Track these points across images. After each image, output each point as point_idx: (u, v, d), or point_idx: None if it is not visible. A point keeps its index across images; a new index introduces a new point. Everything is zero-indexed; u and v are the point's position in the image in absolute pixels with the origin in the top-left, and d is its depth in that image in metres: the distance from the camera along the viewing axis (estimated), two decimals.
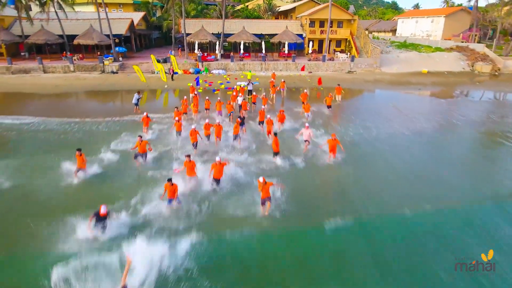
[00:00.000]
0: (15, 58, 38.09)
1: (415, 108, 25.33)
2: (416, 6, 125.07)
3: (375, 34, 69.59)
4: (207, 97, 22.08)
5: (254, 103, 23.43)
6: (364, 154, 15.93)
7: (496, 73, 42.21)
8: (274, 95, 25.50)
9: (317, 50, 45.09)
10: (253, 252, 9.30)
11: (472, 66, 44.00)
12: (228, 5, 67.72)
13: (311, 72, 38.36)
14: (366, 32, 70.83)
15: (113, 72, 36.07)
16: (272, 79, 28.80)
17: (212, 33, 40.64)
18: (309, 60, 40.67)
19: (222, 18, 40.82)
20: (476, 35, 54.38)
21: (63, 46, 39.93)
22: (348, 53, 43.80)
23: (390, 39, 62.64)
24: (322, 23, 44.03)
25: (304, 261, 9.05)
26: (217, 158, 11.97)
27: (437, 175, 13.82)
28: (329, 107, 22.38)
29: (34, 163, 14.34)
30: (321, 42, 45.25)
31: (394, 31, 66.03)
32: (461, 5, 63.42)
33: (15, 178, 12.94)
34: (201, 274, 8.27)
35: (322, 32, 44.28)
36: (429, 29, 57.01)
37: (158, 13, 57.75)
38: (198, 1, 56.86)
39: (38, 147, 16.27)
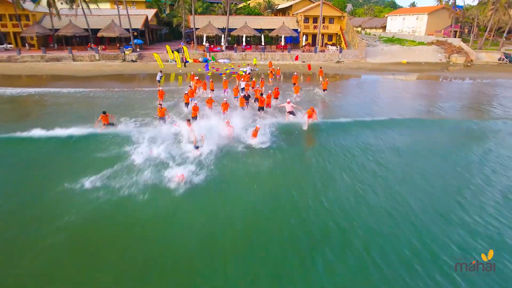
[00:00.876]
0: (46, 49, 43.84)
1: (382, 85, 31.35)
2: (412, 4, 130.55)
3: (368, 30, 75.17)
4: (211, 80, 25.62)
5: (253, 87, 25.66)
6: (335, 112, 21.63)
7: (469, 64, 47.77)
8: (271, 79, 30.97)
9: (310, 43, 50.70)
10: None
11: (449, 58, 49.61)
12: (232, 3, 73.33)
13: (304, 61, 43.99)
14: (359, 28, 76.62)
15: (132, 61, 41.81)
16: (269, 67, 34.30)
17: (218, 28, 46.34)
18: (303, 51, 46.40)
19: (226, 14, 46.52)
20: (456, 31, 59.85)
21: (87, 38, 45.67)
22: (338, 46, 49.42)
23: (380, 34, 68.24)
24: (315, 19, 49.59)
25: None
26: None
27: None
28: (324, 90, 26.03)
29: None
30: (314, 36, 50.82)
31: (384, 27, 71.64)
32: (447, 3, 68.71)
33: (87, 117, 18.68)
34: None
35: (315, 27, 49.88)
36: (414, 25, 62.60)
37: (167, 10, 63.35)
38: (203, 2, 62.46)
39: (93, 104, 22.06)
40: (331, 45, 51.01)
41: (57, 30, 44.49)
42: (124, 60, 42.03)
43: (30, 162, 13.72)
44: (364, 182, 12.39)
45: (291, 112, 18.79)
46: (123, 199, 10.79)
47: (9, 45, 45.05)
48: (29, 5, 45.54)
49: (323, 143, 16.32)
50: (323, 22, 49.45)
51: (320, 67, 31.27)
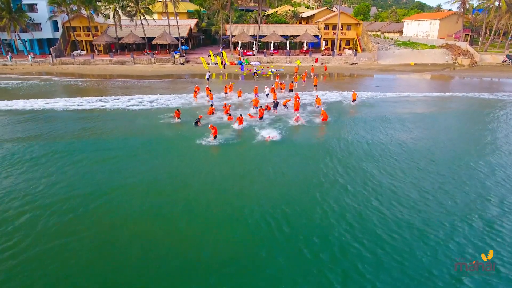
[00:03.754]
0: (113, 54, 54.13)
1: (383, 81, 39.39)
2: (438, 7, 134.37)
3: (386, 34, 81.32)
4: (231, 82, 31.40)
5: (290, 90, 31.71)
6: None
7: (473, 65, 53.54)
8: (298, 80, 37.57)
9: (330, 47, 58.23)
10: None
11: (455, 60, 55.54)
12: (262, 10, 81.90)
13: (323, 63, 51.68)
14: (379, 32, 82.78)
15: (181, 64, 51.21)
16: (296, 71, 41.59)
17: (250, 35, 54.96)
18: (322, 55, 54.12)
19: (257, 23, 55.07)
20: (467, 35, 65.18)
21: (143, 45, 55.57)
22: (354, 50, 56.65)
23: (397, 38, 74.40)
24: (334, 27, 57.04)
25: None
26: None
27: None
28: (315, 85, 32.80)
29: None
30: (334, 41, 58.27)
31: (401, 32, 77.63)
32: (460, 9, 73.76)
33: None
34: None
35: (334, 33, 57.34)
36: (427, 30, 68.44)
37: (205, 19, 72.83)
38: (237, 9, 71.22)
39: (166, 87, 31.02)
40: (348, 49, 58.27)
41: (120, 38, 54.71)
42: (174, 63, 51.51)
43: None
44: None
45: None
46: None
47: (82, 51, 55.82)
48: (98, 19, 56.07)
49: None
50: (341, 29, 56.94)
51: (312, 66, 39.42)
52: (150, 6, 55.46)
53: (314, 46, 57.58)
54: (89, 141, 18.53)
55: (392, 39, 74.18)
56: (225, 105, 23.84)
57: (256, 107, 23.11)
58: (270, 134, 18.82)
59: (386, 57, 55.14)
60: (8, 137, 19.04)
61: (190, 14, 70.92)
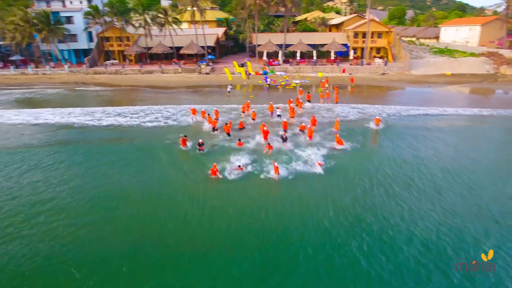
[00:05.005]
0: (142, 63, 55.69)
1: (413, 94, 37.38)
2: (482, 8, 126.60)
3: (422, 40, 77.47)
4: (247, 101, 29.61)
5: (308, 100, 31.96)
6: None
7: None
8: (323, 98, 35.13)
9: (360, 56, 56.27)
10: None
11: (498, 69, 51.61)
12: (292, 15, 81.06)
13: (351, 73, 49.99)
14: (414, 38, 79.18)
15: (206, 73, 51.65)
16: (322, 86, 39.56)
17: (276, 44, 54.36)
18: (350, 64, 52.39)
19: (284, 31, 54.39)
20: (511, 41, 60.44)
21: (172, 55, 56.70)
22: (385, 59, 54.34)
23: (433, 45, 70.60)
24: (364, 35, 55.07)
25: None
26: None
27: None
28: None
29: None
30: (363, 50, 56.26)
31: (438, 37, 73.62)
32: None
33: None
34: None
35: (364, 42, 55.36)
36: (467, 36, 64.30)
37: (234, 28, 73.16)
38: (266, 14, 70.62)
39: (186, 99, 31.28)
40: (379, 58, 55.98)
41: (149, 48, 56.20)
42: (200, 72, 52.05)
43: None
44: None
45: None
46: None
47: (114, 61, 57.94)
48: (130, 29, 57.93)
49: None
50: (372, 37, 54.86)
51: (327, 77, 38.33)
52: (178, 16, 56.48)
53: (343, 55, 55.88)
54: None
55: (428, 45, 70.44)
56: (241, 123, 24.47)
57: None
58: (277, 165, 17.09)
59: (420, 66, 52.35)
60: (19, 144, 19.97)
61: (219, 23, 71.57)
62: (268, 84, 42.08)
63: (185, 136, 21.04)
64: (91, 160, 19.44)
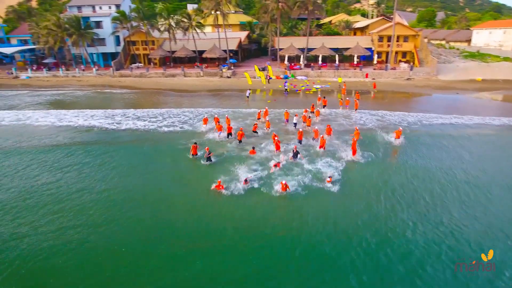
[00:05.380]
0: (166, 67, 56.91)
1: (438, 101, 36.14)
2: None
3: (452, 43, 74.37)
4: (266, 107, 29.05)
5: (324, 106, 31.87)
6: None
7: None
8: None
9: (384, 60, 54.77)
10: None
11: None
12: (317, 18, 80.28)
13: (374, 78, 48.73)
14: (444, 41, 76.19)
15: (228, 77, 52.02)
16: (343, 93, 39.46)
17: (298, 48, 53.94)
18: (374, 69, 51.08)
19: (306, 35, 53.87)
20: None
21: (194, 58, 57.56)
22: (412, 63, 52.57)
23: (464, 49, 67.61)
24: (389, 38, 53.60)
25: None
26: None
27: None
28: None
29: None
30: (388, 54, 54.72)
31: (469, 41, 70.37)
32: None
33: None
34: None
35: (389, 45, 53.84)
36: (501, 39, 61.03)
37: (257, 31, 73.32)
38: (290, 18, 70.32)
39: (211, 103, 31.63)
40: (405, 62, 54.25)
41: (173, 52, 57.35)
42: (221, 76, 52.52)
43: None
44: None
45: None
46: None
47: (140, 64, 59.60)
48: (155, 33, 59.39)
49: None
50: (397, 41, 53.31)
51: (345, 83, 37.69)
52: (202, 20, 57.30)
53: (367, 59, 54.62)
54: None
55: (458, 49, 67.56)
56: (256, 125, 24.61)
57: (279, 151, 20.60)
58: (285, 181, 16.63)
59: (448, 71, 50.26)
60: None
61: (242, 26, 72.00)
62: (286, 89, 41.77)
63: (195, 143, 20.78)
64: (100, 163, 20.07)
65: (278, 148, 20.48)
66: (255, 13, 76.19)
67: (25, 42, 69.91)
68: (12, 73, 57.58)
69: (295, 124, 25.25)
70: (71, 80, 54.53)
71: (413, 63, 52.77)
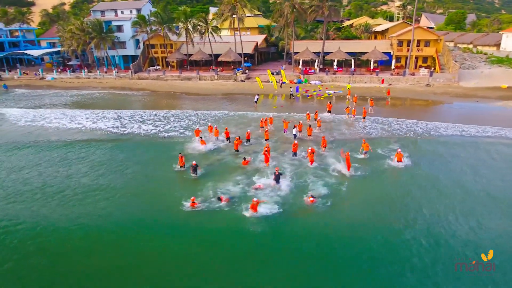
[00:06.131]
0: (182, 70, 57.86)
1: (454, 109, 34.43)
2: None
3: (480, 48, 70.68)
4: (271, 115, 29.11)
5: (329, 111, 31.72)
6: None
7: None
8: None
9: (404, 65, 52.90)
10: None
11: None
12: (339, 21, 79.09)
13: (391, 84, 47.16)
14: (471, 45, 72.69)
15: (241, 81, 52.12)
16: (348, 94, 39.18)
17: (314, 52, 53.19)
18: (391, 74, 49.47)
19: (322, 38, 53.04)
20: None
21: (210, 62, 58.16)
22: (432, 69, 50.47)
23: (492, 53, 64.09)
24: (410, 43, 51.75)
25: None
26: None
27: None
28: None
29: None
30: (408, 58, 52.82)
31: (498, 45, 66.57)
32: None
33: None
34: None
35: (408, 50, 51.95)
36: None
37: (276, 34, 73.10)
38: (304, 23, 69.47)
39: (219, 105, 31.83)
40: (425, 67, 52.16)
41: (190, 55, 58.24)
42: (235, 80, 52.70)
43: None
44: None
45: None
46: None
47: (158, 67, 60.98)
48: (173, 37, 60.60)
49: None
50: (418, 45, 51.41)
51: (349, 89, 36.28)
52: (219, 25, 57.84)
53: (385, 64, 53.01)
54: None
55: (486, 53, 64.10)
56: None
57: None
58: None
59: (471, 78, 47.77)
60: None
61: (261, 29, 72.02)
62: (291, 94, 41.35)
63: (181, 153, 20.15)
64: (83, 168, 20.60)
65: (267, 161, 19.79)
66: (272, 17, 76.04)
67: (53, 45, 73.56)
68: (39, 74, 60.60)
69: (295, 135, 24.31)
70: (92, 82, 56.60)
71: (434, 69, 50.65)
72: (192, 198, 15.94)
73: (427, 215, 14.30)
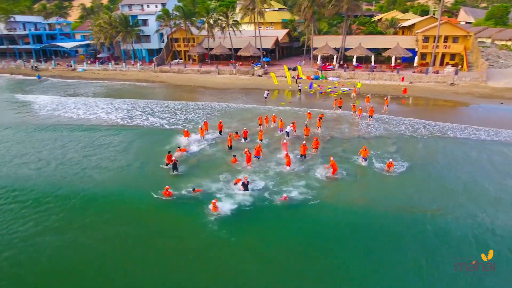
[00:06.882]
0: (202, 63, 58.86)
1: (472, 111, 32.82)
2: None
3: None
4: (273, 114, 28.37)
5: (339, 107, 31.69)
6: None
7: None
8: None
9: (429, 62, 50.40)
10: None
11: None
12: (369, 16, 76.65)
13: (411, 82, 45.22)
14: (510, 42, 67.77)
15: (259, 76, 52.19)
16: (354, 92, 38.07)
17: (333, 47, 52.07)
18: (414, 72, 47.38)
19: (343, 33, 51.75)
20: None
21: (230, 56, 58.65)
22: (458, 67, 47.73)
23: None
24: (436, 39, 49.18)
25: None
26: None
27: None
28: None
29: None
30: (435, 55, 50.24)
31: None
32: None
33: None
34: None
35: (437, 46, 49.33)
36: None
37: (299, 29, 72.14)
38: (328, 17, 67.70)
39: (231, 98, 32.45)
40: (453, 65, 49.43)
41: (211, 49, 59.07)
42: (253, 75, 52.86)
43: None
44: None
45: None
46: None
47: (180, 60, 62.47)
48: (195, 31, 61.69)
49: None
50: (445, 42, 48.81)
51: (354, 90, 36.94)
52: (240, 19, 58.11)
53: (408, 61, 50.84)
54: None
55: None
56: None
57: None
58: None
59: (501, 77, 44.66)
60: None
61: (284, 24, 71.40)
62: (299, 90, 40.92)
63: (170, 152, 20.01)
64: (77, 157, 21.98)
65: (248, 161, 19.46)
66: (292, 11, 75.16)
67: (87, 38, 77.49)
68: (70, 66, 64.18)
69: (288, 133, 23.93)
70: (118, 74, 59.07)
71: (461, 67, 47.89)
72: (167, 187, 16.45)
73: (422, 217, 14.04)
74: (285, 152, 19.70)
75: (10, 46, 73.82)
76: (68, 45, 70.90)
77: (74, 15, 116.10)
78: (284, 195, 15.94)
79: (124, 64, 61.51)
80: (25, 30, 73.52)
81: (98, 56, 68.48)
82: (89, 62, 65.98)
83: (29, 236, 13.74)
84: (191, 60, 62.19)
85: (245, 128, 24.01)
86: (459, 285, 9.13)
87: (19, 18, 74.89)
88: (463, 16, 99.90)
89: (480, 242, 10.77)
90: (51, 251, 12.97)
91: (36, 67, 65.31)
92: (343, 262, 11.74)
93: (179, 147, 16.98)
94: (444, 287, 9.15)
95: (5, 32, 72.43)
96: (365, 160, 19.54)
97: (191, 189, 16.76)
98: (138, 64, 60.38)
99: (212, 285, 11.36)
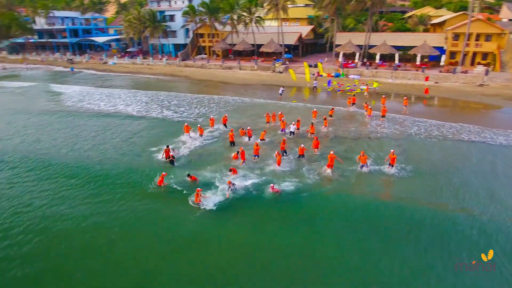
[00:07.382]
0: (225, 59, 59.68)
1: (491, 114, 31.41)
2: None
3: None
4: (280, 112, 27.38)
5: (353, 103, 31.74)
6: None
7: None
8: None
9: (459, 61, 48.00)
10: None
11: None
12: (401, 12, 73.85)
13: (437, 82, 43.41)
14: None
15: (279, 72, 52.20)
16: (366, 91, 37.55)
17: (357, 45, 50.91)
18: (440, 71, 45.37)
19: (367, 30, 50.43)
20: None
21: (252, 52, 58.97)
22: (490, 67, 45.13)
23: None
24: (469, 36, 46.69)
25: None
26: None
27: None
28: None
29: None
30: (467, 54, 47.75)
31: None
32: None
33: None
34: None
35: (467, 45, 46.87)
36: None
37: (325, 25, 71.02)
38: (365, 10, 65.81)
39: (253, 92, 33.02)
40: (484, 65, 46.80)
41: (234, 45, 59.72)
42: (273, 71, 52.96)
43: None
44: None
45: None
46: None
47: (204, 55, 63.70)
48: (220, 27, 62.55)
49: None
50: (477, 40, 46.32)
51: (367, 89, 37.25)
52: (264, 16, 58.22)
53: (436, 60, 48.74)
54: None
55: None
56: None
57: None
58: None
59: None
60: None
61: (309, 20, 70.58)
62: (315, 86, 40.62)
63: (168, 146, 19.95)
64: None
65: (242, 158, 19.40)
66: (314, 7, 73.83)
67: (119, 32, 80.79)
68: (102, 59, 67.42)
69: (292, 132, 23.80)
70: (145, 68, 61.33)
71: (494, 67, 45.26)
72: (164, 173, 16.96)
73: (421, 217, 13.86)
74: (277, 151, 19.57)
75: (49, 40, 78.70)
76: (101, 39, 74.42)
77: (111, 10, 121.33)
78: (271, 184, 16.26)
79: (151, 58, 63.73)
80: (63, 25, 78.06)
81: (128, 50, 71.32)
82: (119, 56, 68.91)
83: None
84: (215, 55, 63.23)
85: (249, 128, 23.57)
86: (459, 285, 9.05)
87: (58, 13, 79.54)
88: (506, 13, 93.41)
89: (480, 242, 10.67)
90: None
91: (71, 59, 69.26)
92: (334, 258, 11.76)
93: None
94: (444, 287, 9.08)
95: (45, 27, 77.29)
96: (363, 166, 18.44)
97: (186, 175, 17.32)
98: (164, 59, 62.29)
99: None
